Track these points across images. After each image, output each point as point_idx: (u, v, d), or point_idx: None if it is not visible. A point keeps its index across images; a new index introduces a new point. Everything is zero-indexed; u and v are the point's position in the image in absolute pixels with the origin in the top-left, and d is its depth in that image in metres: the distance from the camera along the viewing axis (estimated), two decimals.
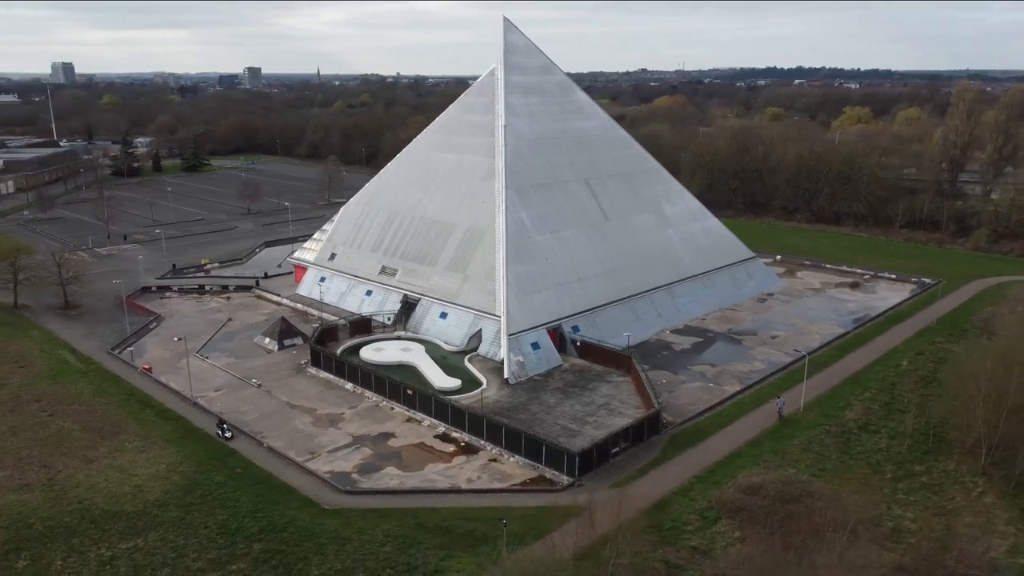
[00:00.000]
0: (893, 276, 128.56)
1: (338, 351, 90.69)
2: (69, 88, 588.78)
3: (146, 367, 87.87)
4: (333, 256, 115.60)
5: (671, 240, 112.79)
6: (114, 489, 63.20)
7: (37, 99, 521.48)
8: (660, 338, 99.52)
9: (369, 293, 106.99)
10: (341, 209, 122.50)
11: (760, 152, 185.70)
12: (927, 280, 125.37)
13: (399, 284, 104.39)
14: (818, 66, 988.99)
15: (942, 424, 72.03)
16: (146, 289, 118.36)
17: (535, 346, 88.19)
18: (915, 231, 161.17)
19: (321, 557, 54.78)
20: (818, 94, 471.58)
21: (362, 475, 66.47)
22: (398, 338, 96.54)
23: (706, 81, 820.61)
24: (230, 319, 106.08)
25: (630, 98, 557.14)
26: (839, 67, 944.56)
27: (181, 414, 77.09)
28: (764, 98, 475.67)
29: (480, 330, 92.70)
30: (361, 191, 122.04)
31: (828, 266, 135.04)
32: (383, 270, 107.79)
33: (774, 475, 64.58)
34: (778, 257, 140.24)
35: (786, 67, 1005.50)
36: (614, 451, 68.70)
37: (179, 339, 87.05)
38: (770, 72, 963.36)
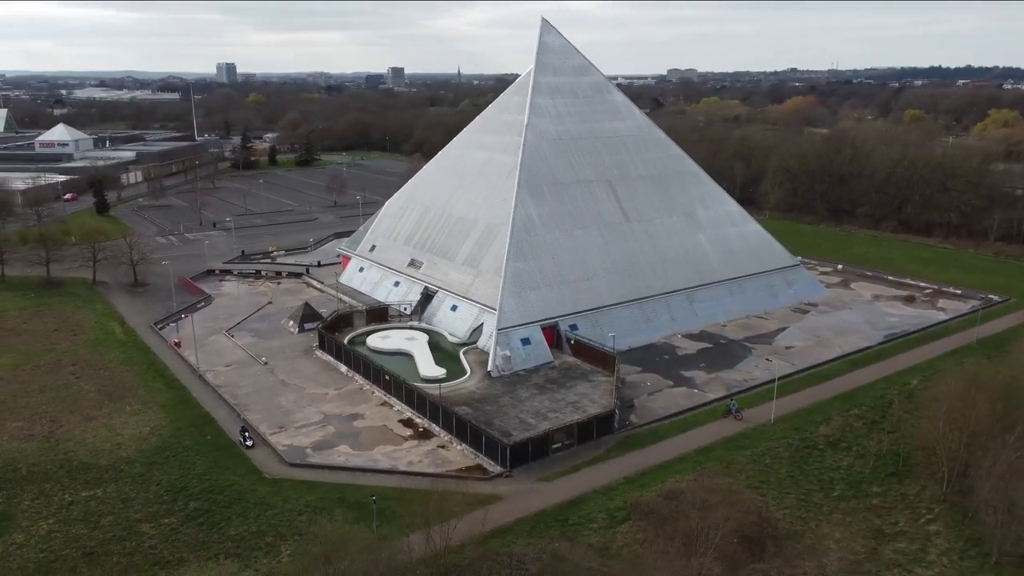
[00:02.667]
0: (958, 291, 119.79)
1: (347, 337, 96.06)
2: (223, 87, 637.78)
3: (176, 341, 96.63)
4: (373, 248, 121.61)
5: (700, 244, 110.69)
6: (98, 445, 70.97)
7: (197, 96, 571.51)
8: (669, 341, 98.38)
9: (397, 284, 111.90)
10: (386, 203, 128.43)
11: (848, 155, 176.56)
12: (994, 297, 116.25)
13: (422, 276, 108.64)
14: (990, 65, 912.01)
15: (922, 448, 68.09)
16: (210, 272, 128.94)
17: (525, 341, 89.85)
18: (1010, 244, 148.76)
19: (242, 519, 59.66)
20: (965, 95, 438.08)
21: (315, 450, 70.97)
22: (410, 327, 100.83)
23: (855, 81, 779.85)
24: (270, 302, 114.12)
25: (763, 99, 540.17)
26: (1015, 66, 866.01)
27: (185, 385, 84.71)
28: (906, 99, 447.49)
29: (483, 323, 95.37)
30: (404, 186, 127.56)
31: (891, 278, 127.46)
32: (411, 263, 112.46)
33: (705, 483, 63.56)
34: (839, 267, 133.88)
35: (952, 66, 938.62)
36: (555, 446, 69.71)
37: (185, 316, 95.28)
38: (933, 72, 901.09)
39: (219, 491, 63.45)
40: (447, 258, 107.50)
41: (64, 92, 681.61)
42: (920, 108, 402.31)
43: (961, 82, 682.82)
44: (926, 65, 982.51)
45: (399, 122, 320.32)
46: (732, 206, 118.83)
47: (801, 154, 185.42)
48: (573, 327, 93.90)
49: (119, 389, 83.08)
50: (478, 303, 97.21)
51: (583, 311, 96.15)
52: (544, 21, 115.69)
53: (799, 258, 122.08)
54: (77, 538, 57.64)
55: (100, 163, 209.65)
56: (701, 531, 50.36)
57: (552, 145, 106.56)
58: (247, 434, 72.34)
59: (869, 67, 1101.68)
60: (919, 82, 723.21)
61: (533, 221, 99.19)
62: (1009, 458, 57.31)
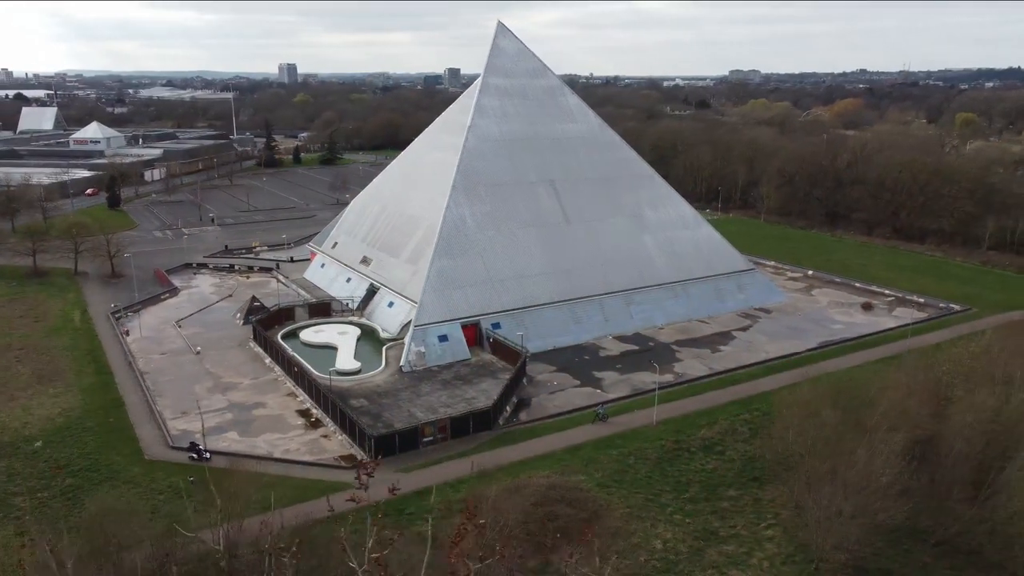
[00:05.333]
0: (921, 300, 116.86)
1: (282, 331, 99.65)
2: (283, 87, 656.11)
3: (125, 331, 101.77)
4: (335, 245, 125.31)
5: (645, 246, 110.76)
6: (8, 423, 75.80)
7: (255, 95, 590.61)
8: (597, 343, 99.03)
9: (349, 280, 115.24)
10: (352, 200, 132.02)
11: (846, 160, 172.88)
12: (955, 307, 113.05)
13: (370, 273, 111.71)
14: None
15: (776, 454, 67.73)
16: (188, 265, 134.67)
17: (442, 338, 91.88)
18: (1003, 253, 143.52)
19: (107, 497, 63.31)
20: (1018, 98, 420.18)
21: (205, 436, 74.43)
22: (349, 322, 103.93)
23: (920, 83, 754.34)
24: (230, 295, 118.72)
25: (815, 101, 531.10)
26: None
27: (113, 371, 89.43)
28: (960, 102, 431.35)
29: (411, 319, 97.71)
30: (370, 184, 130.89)
31: (857, 285, 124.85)
32: (363, 259, 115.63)
33: (553, 480, 64.58)
34: (809, 272, 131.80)
35: None
36: (427, 439, 71.64)
37: (114, 306, 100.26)
38: (1010, 73, 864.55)
39: (96, 470, 67.40)
40: (393, 255, 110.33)
41: (131, 91, 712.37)
42: (975, 111, 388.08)
43: None
44: (1003, 66, 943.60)
45: (426, 122, 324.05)
46: (685, 209, 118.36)
47: (800, 158, 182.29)
48: (495, 325, 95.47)
49: (52, 373, 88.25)
50: (410, 299, 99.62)
51: (510, 310, 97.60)
52: (500, 24, 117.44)
53: (770, 263, 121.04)
54: None
55: (118, 160, 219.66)
56: (493, 524, 51.55)
57: (494, 146, 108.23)
58: (200, 447, 69.47)
59: (942, 68, 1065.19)
60: (990, 84, 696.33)
61: (465, 220, 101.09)
62: (840, 466, 56.77)
